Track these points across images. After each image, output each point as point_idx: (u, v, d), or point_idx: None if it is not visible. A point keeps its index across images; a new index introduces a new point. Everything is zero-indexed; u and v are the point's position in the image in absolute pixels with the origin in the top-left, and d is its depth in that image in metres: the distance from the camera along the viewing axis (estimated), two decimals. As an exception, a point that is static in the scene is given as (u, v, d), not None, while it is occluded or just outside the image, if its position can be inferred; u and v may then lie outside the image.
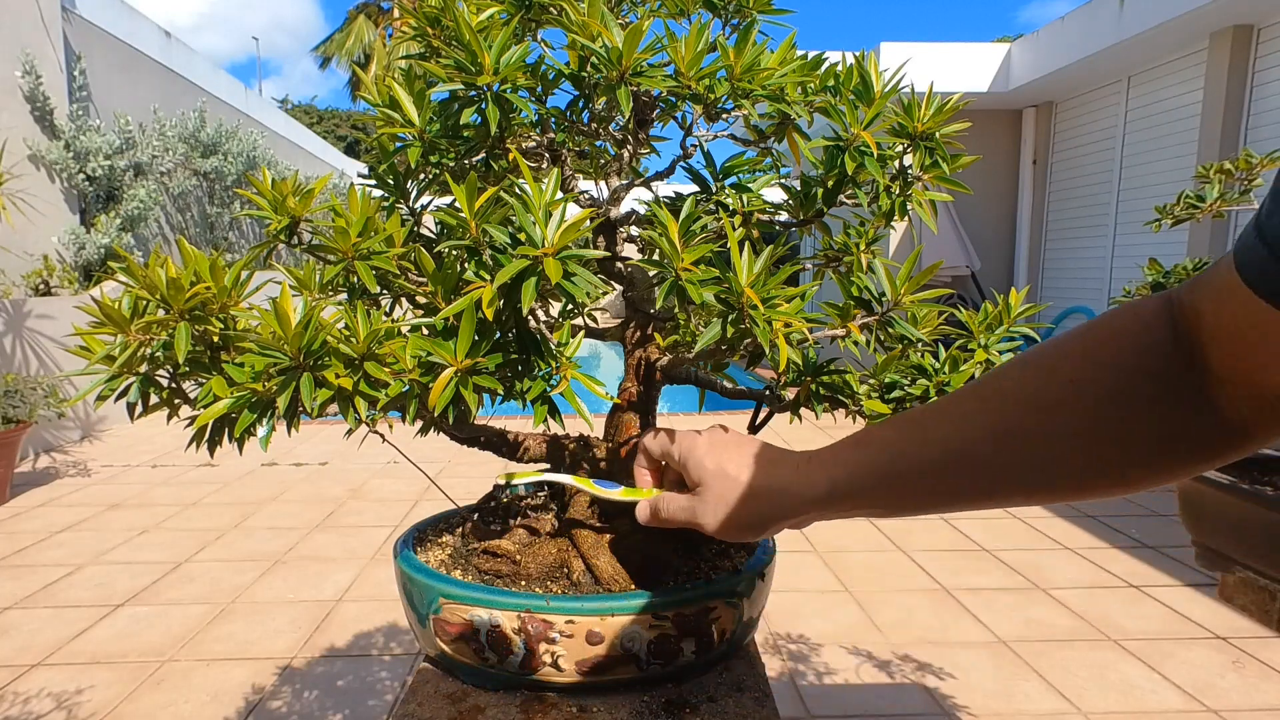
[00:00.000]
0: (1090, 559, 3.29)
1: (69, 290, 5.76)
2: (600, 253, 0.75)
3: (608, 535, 0.91)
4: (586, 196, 0.96)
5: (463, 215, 0.70)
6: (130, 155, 6.60)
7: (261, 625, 2.67)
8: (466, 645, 0.85)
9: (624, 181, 0.96)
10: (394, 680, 2.33)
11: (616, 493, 0.78)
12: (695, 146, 0.94)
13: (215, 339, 0.75)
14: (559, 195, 0.70)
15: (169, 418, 0.79)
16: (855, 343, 0.85)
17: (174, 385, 0.78)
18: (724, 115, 0.86)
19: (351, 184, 0.80)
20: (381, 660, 2.44)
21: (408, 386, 0.68)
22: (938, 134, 0.88)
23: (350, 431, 0.75)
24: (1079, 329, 0.49)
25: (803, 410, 0.93)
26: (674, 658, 0.85)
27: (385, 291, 0.81)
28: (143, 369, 0.75)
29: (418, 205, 0.92)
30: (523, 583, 0.89)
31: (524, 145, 0.93)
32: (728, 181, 0.95)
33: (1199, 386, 0.43)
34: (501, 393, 0.71)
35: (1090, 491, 0.49)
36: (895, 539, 3.51)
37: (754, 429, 1.01)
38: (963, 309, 0.93)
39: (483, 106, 0.77)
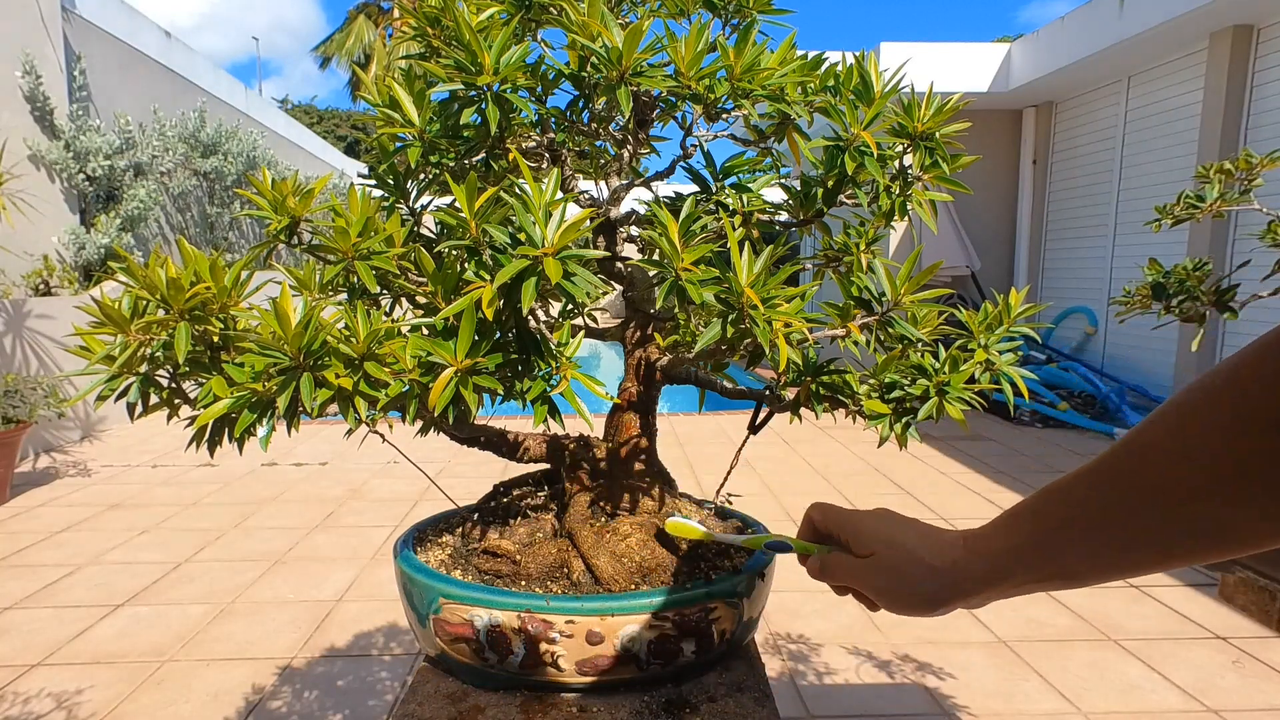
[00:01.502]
0: (1090, 559, 3.29)
1: (69, 290, 5.76)
2: (600, 253, 0.75)
3: (608, 535, 0.91)
4: (586, 196, 0.96)
5: (463, 215, 0.70)
6: (130, 155, 6.60)
7: (261, 625, 2.67)
8: (466, 645, 0.85)
9: (624, 181, 0.96)
10: (394, 680, 2.33)
11: (794, 552, 0.79)
12: (695, 146, 0.94)
13: (215, 339, 0.75)
14: (559, 195, 0.70)
15: (169, 418, 0.79)
16: (855, 343, 0.85)
17: (174, 385, 0.78)
18: (724, 115, 0.86)
19: (351, 184, 0.80)
20: (381, 660, 2.44)
21: (408, 386, 0.68)
22: (938, 134, 0.88)
23: (350, 431, 0.75)
24: (1207, 373, 0.46)
25: (803, 410, 0.93)
26: (674, 658, 0.85)
27: (385, 291, 0.81)
28: (143, 369, 0.75)
29: (418, 205, 0.92)
30: (523, 583, 0.89)
31: (524, 145, 0.93)
32: (728, 181, 0.95)
33: None
34: (501, 393, 0.71)
35: (1241, 544, 0.45)
36: (895, 539, 3.51)
37: (754, 429, 1.01)
38: (963, 309, 0.93)
39: (483, 106, 0.77)
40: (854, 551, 0.68)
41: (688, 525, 0.84)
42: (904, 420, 0.85)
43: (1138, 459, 0.48)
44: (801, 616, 2.73)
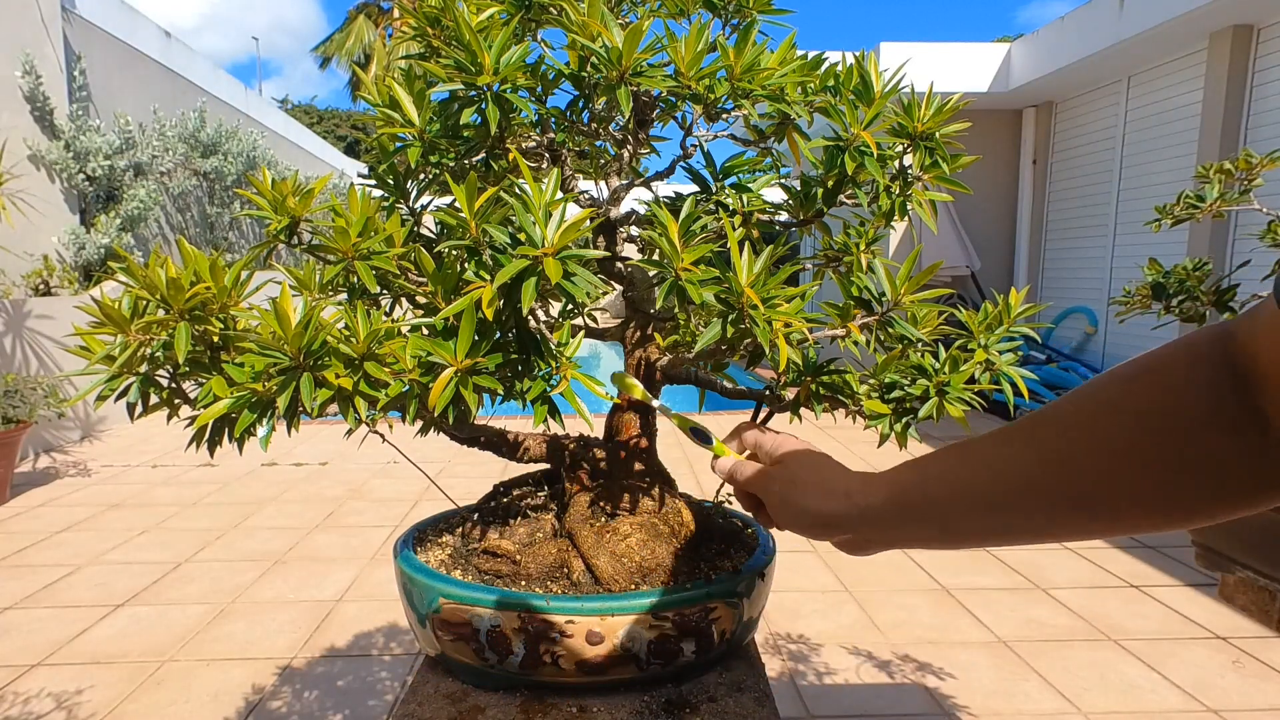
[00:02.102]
0: (1090, 559, 3.29)
1: (69, 290, 5.76)
2: (600, 253, 0.75)
3: (608, 535, 0.91)
4: (586, 196, 0.96)
5: (463, 215, 0.70)
6: (130, 155, 6.59)
7: (261, 625, 2.67)
8: (466, 645, 0.85)
9: (624, 181, 0.96)
10: (394, 680, 2.33)
11: (712, 446, 0.79)
12: (695, 146, 0.94)
13: (215, 339, 0.75)
14: (559, 195, 0.70)
15: (169, 418, 0.79)
16: (855, 343, 0.85)
17: (174, 385, 0.78)
18: (724, 115, 0.86)
19: (351, 184, 0.80)
20: (381, 660, 2.44)
21: (408, 386, 0.68)
22: (938, 134, 0.88)
23: (350, 431, 0.75)
24: (1130, 363, 0.49)
25: (803, 410, 0.93)
26: (674, 658, 0.85)
27: (385, 291, 0.81)
28: (143, 369, 0.75)
29: (418, 205, 0.92)
30: (523, 583, 0.89)
31: (524, 145, 0.93)
32: (728, 181, 0.95)
33: (1257, 423, 0.42)
34: (501, 393, 0.71)
35: (1139, 520, 0.48)
36: (895, 539, 3.51)
37: (754, 429, 1.01)
38: (963, 309, 0.93)
39: (483, 106, 0.77)
40: (770, 460, 0.71)
41: (633, 383, 0.83)
42: (904, 420, 0.85)
43: (1046, 427, 0.51)
44: (801, 616, 2.73)
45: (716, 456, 0.77)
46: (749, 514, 0.74)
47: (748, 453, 0.76)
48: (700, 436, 0.79)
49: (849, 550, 0.66)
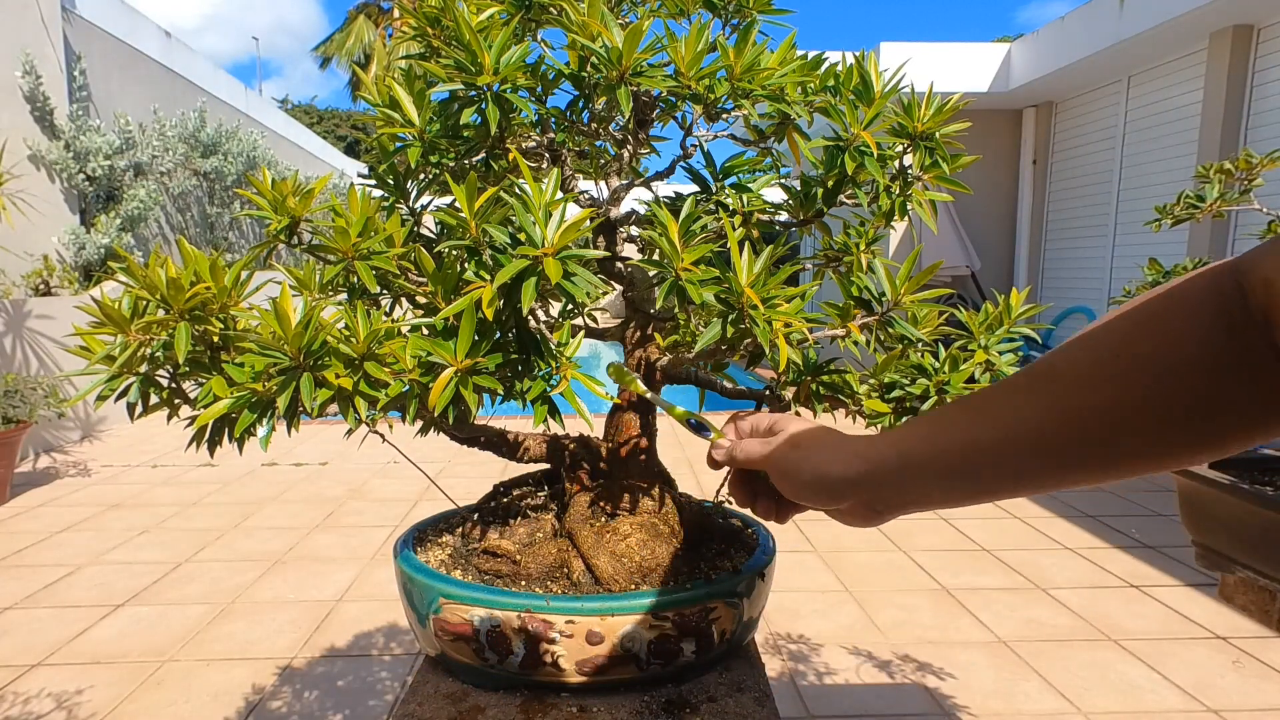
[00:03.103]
0: (1090, 559, 3.29)
1: (69, 290, 5.76)
2: (600, 253, 0.75)
3: (608, 535, 0.91)
4: (586, 196, 0.96)
5: (463, 215, 0.70)
6: (130, 155, 6.59)
7: (262, 625, 2.67)
8: (466, 645, 0.85)
9: (624, 181, 0.96)
10: (394, 680, 2.33)
11: (709, 437, 0.75)
12: (695, 146, 0.94)
13: (215, 339, 0.75)
14: (559, 195, 0.70)
15: (169, 418, 0.79)
16: (855, 343, 0.85)
17: (174, 385, 0.78)
18: (724, 115, 0.86)
19: (351, 184, 0.80)
20: (381, 660, 2.44)
21: (408, 386, 0.68)
22: (938, 134, 0.88)
23: (350, 431, 0.75)
24: (1131, 305, 0.48)
25: (803, 410, 0.93)
26: (674, 658, 0.85)
27: (385, 291, 0.81)
28: (143, 369, 0.75)
29: (418, 205, 0.92)
30: (523, 583, 0.89)
31: (524, 145, 0.93)
32: (728, 181, 0.95)
33: (1272, 354, 0.42)
34: (501, 393, 0.71)
35: (1156, 461, 0.47)
36: (895, 539, 3.51)
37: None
38: (963, 309, 0.93)
39: (483, 106, 0.77)
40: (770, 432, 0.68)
41: (631, 376, 0.82)
42: (904, 420, 0.85)
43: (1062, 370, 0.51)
44: (801, 616, 2.73)
45: (713, 447, 0.74)
46: (746, 509, 0.73)
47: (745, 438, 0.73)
48: (699, 428, 0.77)
49: (858, 519, 0.63)
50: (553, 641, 0.82)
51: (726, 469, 0.74)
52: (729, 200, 0.93)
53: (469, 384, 0.66)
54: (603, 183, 0.99)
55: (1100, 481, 0.51)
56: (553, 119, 0.91)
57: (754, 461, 0.67)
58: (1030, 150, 8.14)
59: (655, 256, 0.80)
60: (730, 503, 0.98)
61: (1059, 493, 4.09)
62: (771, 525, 0.87)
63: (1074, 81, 7.24)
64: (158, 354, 0.74)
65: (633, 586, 0.87)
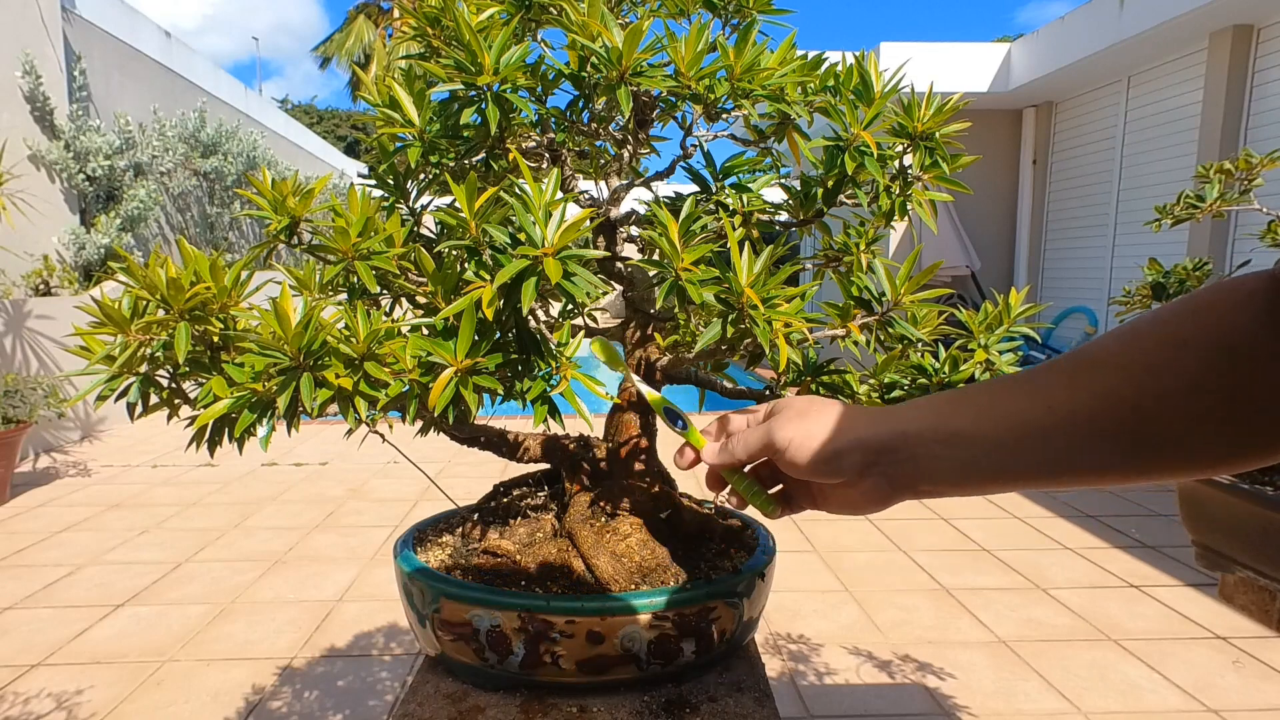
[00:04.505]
0: (1090, 559, 3.29)
1: (69, 290, 5.76)
2: (600, 253, 0.75)
3: (608, 535, 0.91)
4: (586, 196, 0.96)
5: (463, 215, 0.70)
6: (130, 155, 6.59)
7: (262, 625, 2.67)
8: (466, 645, 0.85)
9: (624, 181, 0.96)
10: (394, 680, 2.33)
11: (685, 431, 0.70)
12: (695, 146, 0.94)
13: (215, 339, 0.75)
14: (559, 195, 0.70)
15: (169, 418, 0.79)
16: (855, 343, 0.85)
17: (174, 385, 0.78)
18: (724, 115, 0.86)
19: (351, 184, 0.80)
20: (381, 660, 2.44)
21: (408, 386, 0.68)
22: (938, 134, 0.88)
23: (350, 431, 0.75)
24: (1172, 304, 0.47)
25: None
26: (674, 658, 0.85)
27: (385, 291, 0.81)
28: (143, 369, 0.75)
29: (418, 205, 0.92)
30: (523, 583, 0.89)
31: (524, 145, 0.93)
32: (728, 181, 0.95)
33: None
34: (501, 393, 0.71)
35: (1195, 464, 0.46)
36: (895, 539, 3.51)
37: (754, 429, 1.01)
38: (963, 309, 0.93)
39: (483, 106, 0.77)
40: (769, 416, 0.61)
41: (614, 352, 0.77)
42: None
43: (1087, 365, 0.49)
44: (801, 616, 2.73)
45: (686, 444, 0.68)
46: (742, 509, 0.68)
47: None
48: (673, 418, 0.70)
49: (869, 499, 0.55)
50: (553, 641, 0.82)
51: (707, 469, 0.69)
52: (729, 200, 0.93)
53: (469, 384, 0.66)
54: (603, 183, 0.99)
55: (1142, 475, 0.48)
56: (553, 119, 0.91)
57: (755, 450, 0.60)
58: (1030, 150, 8.14)
59: (655, 256, 0.80)
60: (730, 503, 0.98)
61: (1061, 493, 4.09)
62: (771, 525, 0.87)
63: (1074, 81, 7.24)
64: (158, 354, 0.74)
65: (633, 586, 0.87)
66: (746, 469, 0.65)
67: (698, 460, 0.67)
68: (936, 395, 0.56)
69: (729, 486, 0.66)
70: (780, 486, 0.66)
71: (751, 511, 0.69)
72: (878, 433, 0.54)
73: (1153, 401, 0.46)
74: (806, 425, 0.56)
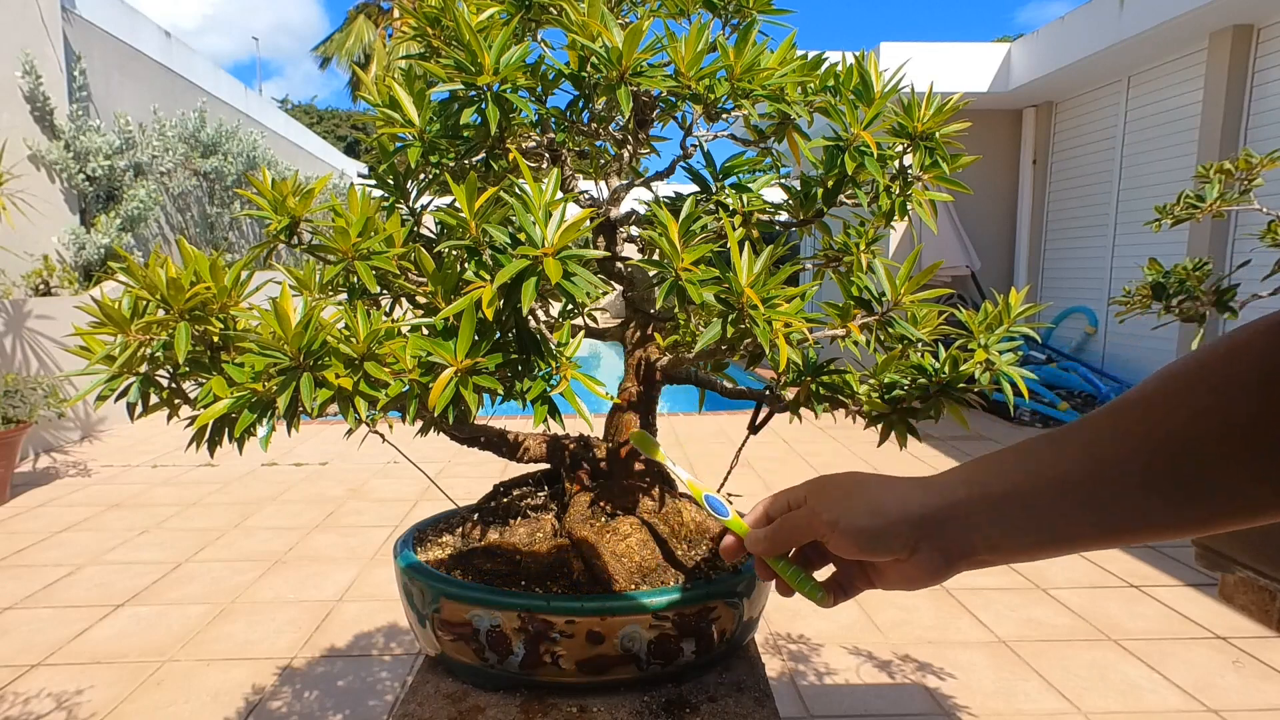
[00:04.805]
0: (1090, 559, 3.29)
1: (69, 290, 5.76)
2: (600, 253, 0.75)
3: (608, 535, 0.91)
4: (586, 196, 0.96)
5: (463, 215, 0.70)
6: (130, 155, 6.59)
7: (262, 625, 2.67)
8: (466, 645, 0.85)
9: (624, 181, 0.96)
10: (394, 680, 2.33)
11: (726, 519, 0.68)
12: (695, 146, 0.94)
13: (215, 339, 0.75)
14: (559, 195, 0.70)
15: (169, 418, 0.79)
16: (855, 343, 0.85)
17: (174, 385, 0.78)
18: (724, 115, 0.86)
19: (351, 184, 0.80)
20: (381, 660, 2.44)
21: (408, 386, 0.68)
22: (938, 134, 0.88)
23: (350, 431, 0.75)
24: (1211, 345, 0.46)
25: (802, 410, 0.93)
26: (674, 658, 0.85)
27: (385, 291, 0.81)
28: (143, 369, 0.75)
29: (418, 205, 0.92)
30: (523, 583, 0.89)
31: (524, 145, 0.93)
32: (728, 181, 0.95)
33: None
34: (501, 393, 0.71)
35: (1249, 509, 0.44)
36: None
37: (754, 429, 1.01)
38: (963, 309, 0.93)
39: (483, 106, 0.77)
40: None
41: (653, 443, 0.79)
42: (904, 420, 0.85)
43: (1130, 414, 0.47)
44: (801, 616, 2.73)
45: (727, 531, 0.66)
46: (788, 596, 0.63)
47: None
48: (718, 508, 0.68)
49: (925, 571, 0.53)
50: (553, 641, 0.82)
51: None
52: (729, 200, 0.93)
53: (469, 384, 0.66)
54: (603, 183, 0.99)
55: (1201, 527, 0.46)
56: (553, 119, 0.91)
57: (800, 535, 0.59)
58: (1030, 150, 8.14)
59: (655, 256, 0.80)
60: (730, 503, 0.98)
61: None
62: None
63: (1074, 81, 7.24)
64: (158, 354, 0.74)
65: (633, 586, 0.87)
66: (791, 553, 0.63)
67: (741, 549, 0.64)
68: (986, 458, 0.54)
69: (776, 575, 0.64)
70: (831, 567, 0.63)
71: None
72: (926, 505, 0.53)
73: (1198, 445, 0.44)
74: (852, 504, 0.55)
